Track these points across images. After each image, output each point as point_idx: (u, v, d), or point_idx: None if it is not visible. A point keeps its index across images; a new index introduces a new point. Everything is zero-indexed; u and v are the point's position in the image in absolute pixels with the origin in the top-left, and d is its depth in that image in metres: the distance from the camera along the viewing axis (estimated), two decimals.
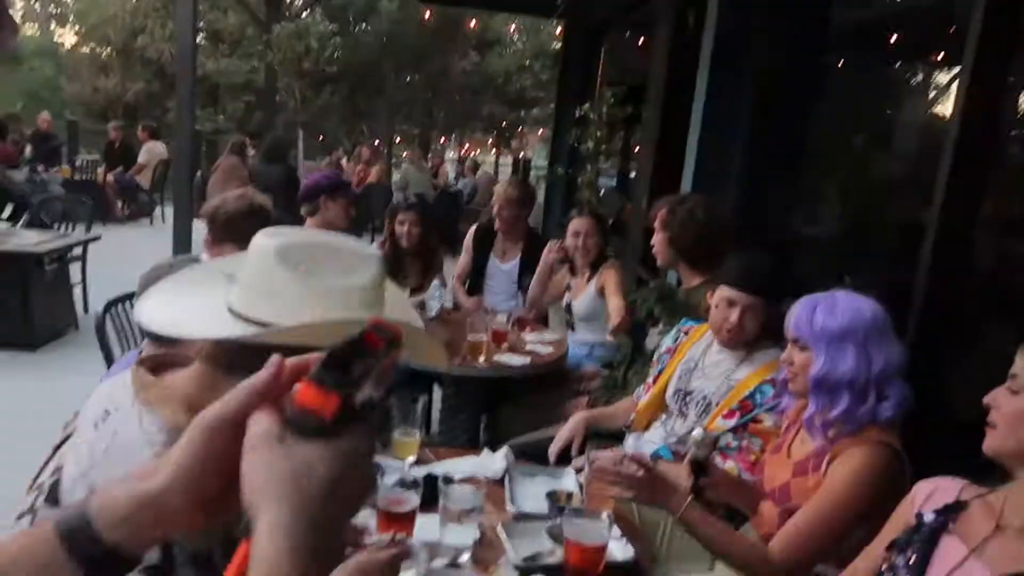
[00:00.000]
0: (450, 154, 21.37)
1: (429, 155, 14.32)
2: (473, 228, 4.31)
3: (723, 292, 2.18)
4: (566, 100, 8.61)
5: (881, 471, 1.62)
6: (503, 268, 4.15)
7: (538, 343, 3.37)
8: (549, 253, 3.69)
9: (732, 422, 2.13)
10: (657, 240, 2.83)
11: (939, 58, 4.21)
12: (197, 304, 1.00)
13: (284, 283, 0.92)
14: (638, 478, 1.69)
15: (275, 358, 0.61)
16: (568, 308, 3.66)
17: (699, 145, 3.80)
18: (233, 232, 2.59)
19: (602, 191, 6.48)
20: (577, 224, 3.57)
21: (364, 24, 16.50)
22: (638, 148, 5.84)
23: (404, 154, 17.38)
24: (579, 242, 3.53)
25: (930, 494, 1.38)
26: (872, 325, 1.69)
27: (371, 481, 0.59)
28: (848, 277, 3.70)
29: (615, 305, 3.28)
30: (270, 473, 0.55)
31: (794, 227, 4.12)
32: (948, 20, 3.82)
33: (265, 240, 0.97)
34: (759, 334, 2.18)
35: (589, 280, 3.56)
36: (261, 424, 0.57)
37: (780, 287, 2.12)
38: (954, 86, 2.60)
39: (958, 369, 2.51)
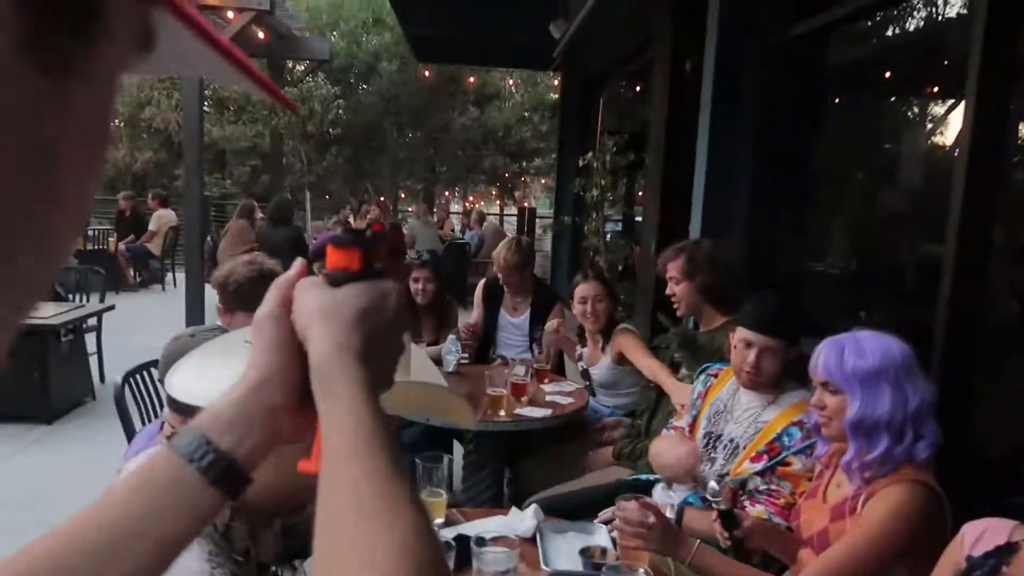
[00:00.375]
0: (455, 207, 21.56)
1: (434, 209, 14.43)
2: (482, 283, 4.31)
3: (740, 334, 2.20)
4: (567, 150, 8.74)
5: (920, 509, 1.60)
6: (514, 322, 4.15)
7: (558, 394, 3.35)
8: (552, 334, 3.60)
9: (760, 465, 2.12)
10: (680, 291, 2.82)
11: (937, 90, 4.26)
12: (229, 375, 1.01)
13: None
14: (647, 526, 1.69)
15: (300, 262, 0.71)
16: (586, 374, 3.57)
17: (705, 188, 3.83)
18: (244, 300, 2.62)
19: (608, 235, 6.52)
20: (584, 290, 3.42)
21: (365, 85, 16.83)
22: (642, 193, 5.89)
23: (410, 209, 17.59)
24: (587, 308, 3.39)
25: (979, 536, 1.35)
26: (902, 363, 1.69)
27: (400, 311, 0.67)
28: (864, 314, 3.69)
29: (649, 366, 3.09)
30: (315, 305, 0.65)
31: (805, 266, 4.12)
32: (944, 53, 3.88)
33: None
34: (780, 375, 2.18)
35: (603, 347, 3.47)
36: (304, 281, 0.68)
37: (795, 328, 2.16)
38: (955, 117, 2.62)
39: (983, 404, 2.48)
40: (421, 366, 1.09)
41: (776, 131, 3.79)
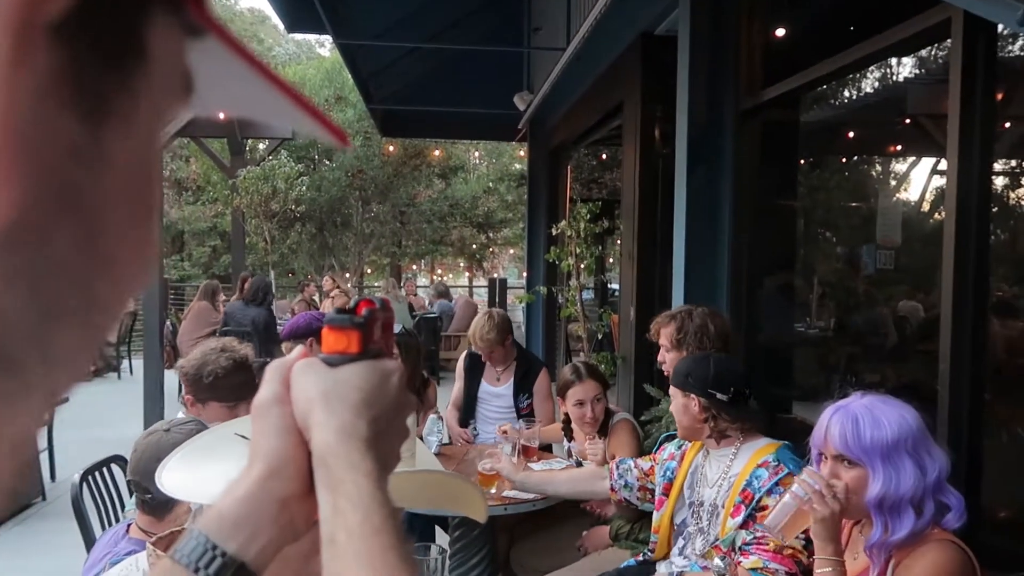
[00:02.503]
0: (422, 280, 21.57)
1: (402, 283, 14.38)
2: (464, 355, 4.27)
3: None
4: (537, 218, 8.80)
5: (957, 568, 1.58)
6: (496, 391, 4.09)
7: (547, 472, 3.24)
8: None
9: (740, 518, 2.19)
10: (670, 360, 2.79)
11: (917, 148, 4.38)
12: (223, 470, 0.95)
13: None
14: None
15: (300, 348, 0.70)
16: (580, 465, 3.41)
17: (686, 253, 3.83)
18: (219, 391, 2.55)
19: (577, 305, 6.50)
20: (580, 392, 3.19)
21: (329, 161, 16.96)
22: (619, 260, 5.91)
23: (377, 284, 17.52)
24: (587, 412, 3.18)
25: None
26: (918, 431, 1.65)
27: (403, 393, 0.66)
28: (852, 377, 3.68)
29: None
30: (316, 389, 0.63)
31: (790, 329, 4.13)
32: (924, 108, 4.00)
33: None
34: (724, 428, 2.32)
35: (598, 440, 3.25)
36: (302, 363, 0.66)
37: (701, 381, 2.34)
38: (932, 173, 2.65)
39: (993, 463, 2.44)
40: (421, 453, 1.03)
41: (755, 193, 3.84)
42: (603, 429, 3.23)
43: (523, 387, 4.01)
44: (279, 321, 8.56)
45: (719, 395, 2.29)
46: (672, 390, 2.42)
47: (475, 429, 4.05)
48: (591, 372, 3.26)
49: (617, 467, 2.66)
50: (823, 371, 4.14)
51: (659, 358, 2.89)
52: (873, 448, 1.64)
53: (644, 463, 2.66)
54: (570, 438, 3.40)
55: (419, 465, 1.02)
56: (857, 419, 1.68)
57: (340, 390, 0.62)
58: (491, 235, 19.58)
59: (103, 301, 0.26)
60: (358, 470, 0.59)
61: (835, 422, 1.71)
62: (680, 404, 2.37)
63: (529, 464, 3.34)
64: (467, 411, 4.11)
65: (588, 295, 9.43)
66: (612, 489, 2.64)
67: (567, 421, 3.33)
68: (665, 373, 2.86)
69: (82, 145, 0.23)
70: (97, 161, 0.23)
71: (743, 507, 2.20)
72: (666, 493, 2.50)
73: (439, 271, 22.20)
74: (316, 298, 11.22)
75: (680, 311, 2.88)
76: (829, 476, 1.73)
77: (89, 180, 0.23)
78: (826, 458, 1.75)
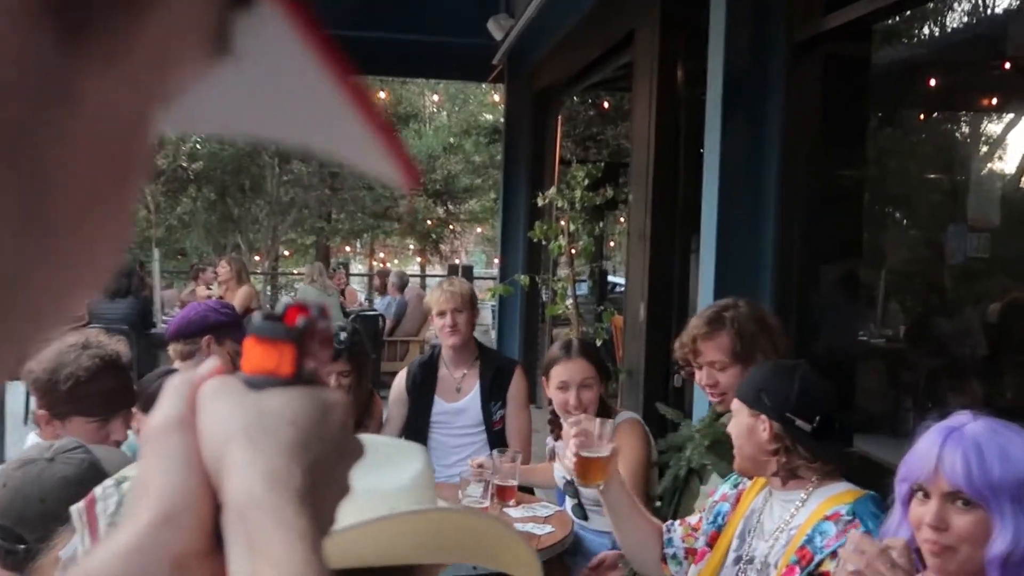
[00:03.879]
0: (358, 267, 21.48)
1: (332, 269, 14.29)
2: (403, 373, 4.24)
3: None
4: (515, 186, 8.81)
5: None
6: (456, 407, 4.07)
7: (530, 520, 3.25)
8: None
9: None
10: (726, 379, 2.79)
11: (1008, 103, 4.44)
12: None
13: None
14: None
15: (215, 361, 0.68)
16: (571, 488, 3.41)
17: (719, 235, 3.85)
18: (82, 402, 2.50)
19: (569, 300, 6.52)
20: (565, 371, 3.32)
21: None
22: (627, 243, 5.94)
23: (297, 272, 17.40)
24: (570, 397, 3.29)
25: None
26: None
27: (348, 431, 0.66)
28: (929, 403, 3.73)
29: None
30: (236, 420, 0.61)
31: (854, 336, 4.17)
32: (1001, 52, 4.05)
33: None
34: (797, 467, 2.29)
35: None
36: (215, 384, 0.64)
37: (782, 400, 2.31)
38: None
39: None
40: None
41: (810, 156, 3.86)
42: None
43: (495, 394, 4.02)
44: (164, 317, 8.46)
45: (799, 422, 2.24)
46: (736, 404, 2.37)
47: None
48: (584, 350, 3.40)
49: (667, 531, 2.63)
50: (893, 393, 4.19)
51: (701, 379, 2.88)
52: (1002, 487, 1.64)
53: (693, 518, 2.63)
54: (556, 435, 3.45)
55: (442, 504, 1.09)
56: (981, 448, 1.68)
57: (269, 424, 0.62)
58: (452, 208, 19.56)
59: (31, 301, 0.25)
60: (291, 529, 0.58)
61: (951, 449, 1.70)
62: (745, 425, 2.33)
63: (505, 510, 3.34)
64: (415, 439, 4.09)
65: (583, 289, 9.47)
66: (663, 562, 2.60)
67: (554, 414, 3.44)
68: (712, 400, 2.89)
69: (46, 71, 0.22)
70: (60, 100, 0.23)
71: (797, 569, 2.17)
72: (711, 544, 2.48)
73: (381, 255, 22.11)
74: (215, 288, 11.12)
75: (719, 309, 2.89)
76: (934, 520, 1.73)
77: (42, 121, 0.22)
78: (924, 496, 1.75)
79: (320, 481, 0.62)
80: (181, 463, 0.62)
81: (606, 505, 2.59)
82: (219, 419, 0.62)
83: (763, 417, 2.28)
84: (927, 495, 1.74)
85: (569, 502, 3.48)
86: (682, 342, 2.92)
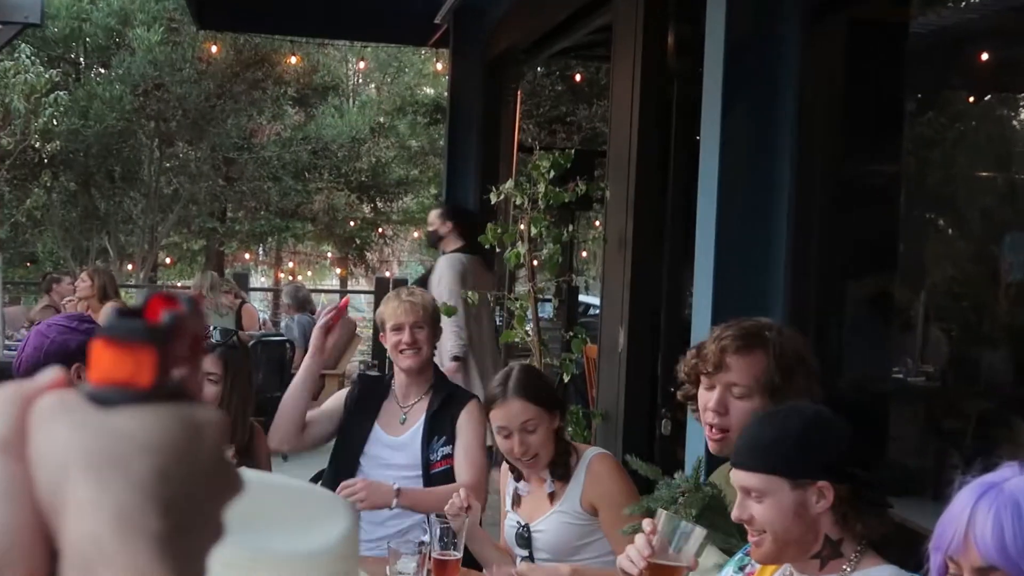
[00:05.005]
0: (259, 279, 21.35)
1: (224, 285, 14.21)
2: (347, 390, 4.35)
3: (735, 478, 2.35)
4: (461, 178, 8.82)
5: None
6: (396, 441, 4.08)
7: None
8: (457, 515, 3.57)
9: None
10: (742, 410, 2.81)
11: None
12: None
13: None
14: None
15: (55, 371, 0.66)
16: (523, 536, 3.56)
17: (718, 242, 3.87)
18: None
19: (529, 325, 6.52)
20: (501, 414, 3.47)
21: (104, 69, 16.65)
22: (602, 252, 5.95)
23: (183, 284, 17.26)
24: (514, 445, 3.42)
25: None
26: None
27: (222, 456, 0.66)
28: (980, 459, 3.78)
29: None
30: (77, 448, 0.61)
31: (884, 370, 4.21)
32: None
33: None
34: (842, 540, 2.27)
35: (561, 486, 3.50)
36: (52, 400, 0.63)
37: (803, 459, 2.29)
38: None
39: None
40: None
41: (832, 145, 3.90)
42: (562, 472, 3.48)
43: (437, 427, 4.03)
44: (10, 342, 8.34)
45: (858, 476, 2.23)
46: (762, 482, 2.28)
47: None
48: (521, 387, 3.47)
49: None
50: (935, 444, 4.24)
51: (706, 404, 2.88)
52: None
53: None
54: (517, 476, 3.61)
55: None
56: (1021, 509, 1.72)
57: (120, 450, 0.61)
58: (381, 206, 19.54)
59: None
60: None
61: (983, 512, 1.74)
62: (788, 505, 2.24)
63: None
64: (340, 478, 4.06)
65: (547, 311, 9.48)
66: None
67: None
68: (711, 440, 2.90)
69: None
70: None
71: None
72: None
73: (290, 265, 22.02)
74: (71, 302, 11.04)
75: (762, 328, 2.91)
76: None
77: None
78: (956, 570, 1.78)
79: (185, 524, 0.62)
80: (6, 495, 0.62)
81: None
82: (56, 444, 0.62)
83: (820, 485, 2.21)
84: (959, 570, 1.77)
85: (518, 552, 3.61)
86: (701, 352, 2.91)
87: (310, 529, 1.03)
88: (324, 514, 1.06)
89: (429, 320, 4.15)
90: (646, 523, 2.51)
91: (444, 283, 6.77)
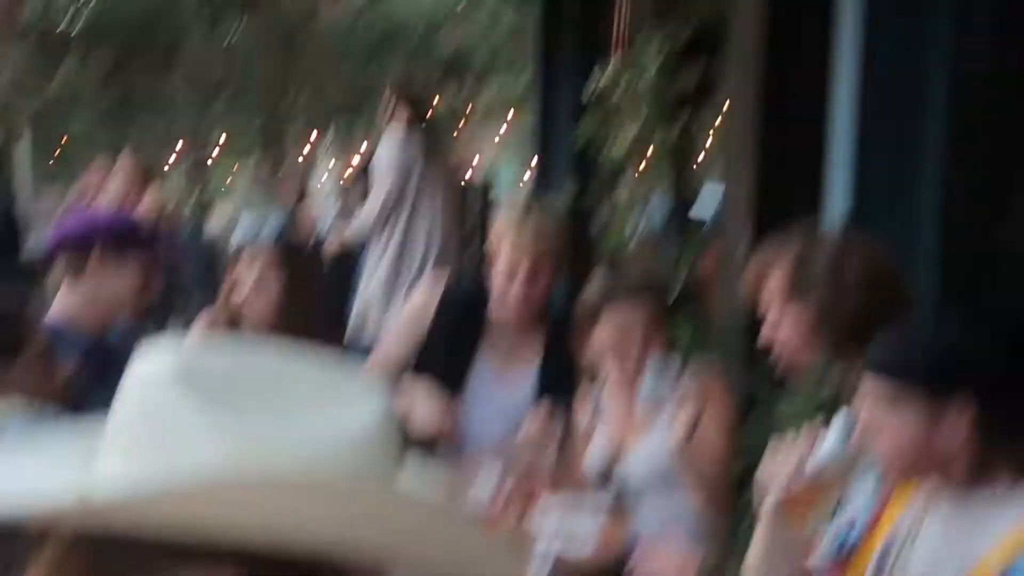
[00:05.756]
0: (329, 164, 20.96)
1: (279, 172, 14.25)
2: (440, 290, 4.17)
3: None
4: (559, 61, 8.73)
5: None
6: (501, 395, 3.95)
7: (569, 524, 3.36)
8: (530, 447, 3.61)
9: None
10: (782, 324, 2.94)
11: None
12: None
13: (202, 438, 0.97)
14: None
15: None
16: (606, 475, 3.62)
17: (858, 141, 3.90)
18: None
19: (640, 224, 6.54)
20: (615, 315, 3.57)
21: None
22: (720, 152, 5.96)
23: (237, 167, 17.34)
24: (617, 343, 3.54)
25: None
26: None
27: None
28: None
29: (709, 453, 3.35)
30: None
31: None
32: None
33: (153, 368, 1.04)
34: (996, 457, 2.28)
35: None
36: None
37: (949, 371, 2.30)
38: None
39: None
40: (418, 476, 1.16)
41: (997, 37, 3.87)
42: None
43: (559, 386, 3.88)
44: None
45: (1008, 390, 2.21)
46: (884, 394, 2.29)
47: None
48: (639, 282, 3.82)
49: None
50: None
51: (767, 328, 3.00)
52: None
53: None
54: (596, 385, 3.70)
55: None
56: None
57: None
58: (463, 92, 19.24)
59: None
60: None
61: None
62: (917, 427, 2.23)
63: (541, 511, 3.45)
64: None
65: (653, 220, 9.49)
66: None
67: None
68: (776, 348, 3.00)
69: None
70: None
71: None
72: (840, 567, 2.49)
73: (363, 149, 21.72)
74: (111, 188, 11.13)
75: (802, 236, 3.00)
76: None
77: None
78: None
79: None
80: None
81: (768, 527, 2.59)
82: None
83: (951, 404, 2.21)
84: None
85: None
86: (748, 277, 3.09)
87: (334, 406, 1.01)
88: (354, 391, 1.05)
89: (557, 250, 3.98)
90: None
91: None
